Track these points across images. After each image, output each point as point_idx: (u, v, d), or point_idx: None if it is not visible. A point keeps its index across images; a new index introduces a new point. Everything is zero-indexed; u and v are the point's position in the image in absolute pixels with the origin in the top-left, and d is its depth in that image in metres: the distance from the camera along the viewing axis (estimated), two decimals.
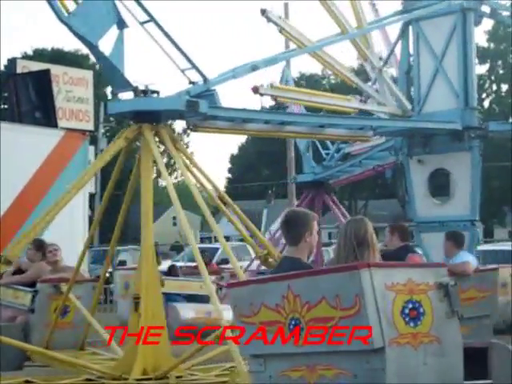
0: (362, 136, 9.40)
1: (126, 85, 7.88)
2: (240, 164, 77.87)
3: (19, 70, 21.32)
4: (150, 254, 7.70)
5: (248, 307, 4.91)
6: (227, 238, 60.91)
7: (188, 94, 8.13)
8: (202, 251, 13.76)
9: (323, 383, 4.49)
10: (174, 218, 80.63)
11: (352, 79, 10.07)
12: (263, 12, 8.81)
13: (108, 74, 8.08)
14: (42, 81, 17.43)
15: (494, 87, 65.70)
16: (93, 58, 66.71)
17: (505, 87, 66.06)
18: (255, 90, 8.68)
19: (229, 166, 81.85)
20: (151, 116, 7.79)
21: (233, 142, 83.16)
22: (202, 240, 57.85)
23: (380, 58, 10.98)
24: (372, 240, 5.30)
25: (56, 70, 20.89)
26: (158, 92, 8.15)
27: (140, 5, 8.08)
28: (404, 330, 4.29)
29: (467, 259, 7.97)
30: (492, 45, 63.45)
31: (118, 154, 8.18)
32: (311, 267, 5.45)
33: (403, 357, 4.28)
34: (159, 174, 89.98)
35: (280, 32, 9.06)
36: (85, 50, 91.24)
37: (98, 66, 64.20)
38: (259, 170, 73.96)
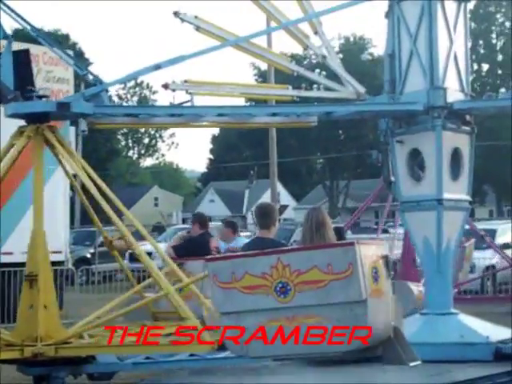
0: (303, 122, 9.42)
1: (10, 92, 8.61)
2: (221, 145, 77.82)
3: None
4: (41, 237, 8.28)
5: (229, 275, 6.26)
6: (209, 219, 60.99)
7: (83, 96, 8.76)
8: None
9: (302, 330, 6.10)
10: (156, 198, 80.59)
11: (290, 67, 10.01)
12: (176, 14, 8.99)
13: None
14: (22, 60, 17.25)
15: (476, 67, 65.90)
16: (73, 38, 66.11)
17: (486, 67, 66.31)
18: (165, 86, 9.07)
19: (210, 146, 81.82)
20: (41, 117, 8.37)
21: None
22: (184, 220, 57.80)
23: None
24: (328, 223, 7.08)
25: (36, 49, 20.47)
26: (46, 96, 8.80)
27: (27, 23, 9.36)
28: (373, 287, 6.15)
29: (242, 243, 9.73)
30: (473, 24, 63.59)
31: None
32: (285, 244, 7.50)
33: (373, 305, 6.09)
34: (140, 155, 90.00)
35: (197, 30, 9.16)
36: (65, 30, 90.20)
37: (78, 46, 64.09)
38: (241, 151, 73.92)
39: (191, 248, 9.46)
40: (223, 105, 9.36)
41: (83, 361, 7.89)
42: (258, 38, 9.92)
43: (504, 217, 50.81)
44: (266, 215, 7.45)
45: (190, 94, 9.18)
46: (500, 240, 21.31)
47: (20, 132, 8.44)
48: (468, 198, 9.54)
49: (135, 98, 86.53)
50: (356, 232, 38.50)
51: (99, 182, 8.37)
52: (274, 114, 9.25)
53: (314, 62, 9.93)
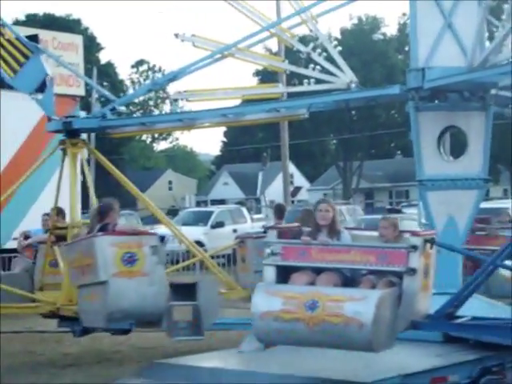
0: (293, 116, 10.64)
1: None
2: (235, 127, 77.60)
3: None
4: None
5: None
6: (223, 201, 60.99)
7: (101, 113, 10.94)
8: None
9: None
10: (170, 182, 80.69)
11: (283, 67, 11.03)
12: (176, 35, 10.37)
13: (41, 107, 11.28)
14: None
15: None
16: (84, 23, 66.19)
17: None
18: (166, 97, 11.95)
19: (224, 129, 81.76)
20: (74, 133, 10.87)
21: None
22: (198, 204, 57.87)
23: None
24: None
25: (45, 34, 20.59)
26: (73, 116, 11.17)
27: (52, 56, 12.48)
28: None
29: None
30: None
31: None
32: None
33: None
34: (154, 139, 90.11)
35: (194, 46, 10.43)
36: (76, 15, 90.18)
37: (90, 31, 64.02)
38: (254, 133, 73.80)
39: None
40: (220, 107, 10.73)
41: None
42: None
43: None
44: (282, 211, 11.40)
45: (190, 101, 10.78)
46: None
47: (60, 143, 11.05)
48: (477, 175, 9.35)
49: (148, 82, 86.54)
50: (370, 212, 38.62)
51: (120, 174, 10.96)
52: (275, 110, 10.30)
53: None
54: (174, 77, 10.59)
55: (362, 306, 6.47)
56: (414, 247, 6.80)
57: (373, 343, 6.52)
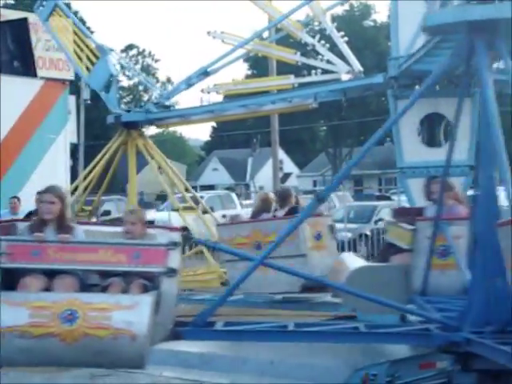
0: (302, 105, 11.33)
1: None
2: None
3: None
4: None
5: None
6: (212, 187, 60.94)
7: (148, 108, 12.32)
8: None
9: None
10: (159, 167, 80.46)
11: (295, 58, 11.58)
12: (209, 33, 11.57)
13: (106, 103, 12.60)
14: (20, 30, 17.22)
15: None
16: (74, 7, 66.09)
17: None
18: (202, 91, 11.95)
19: None
20: (131, 124, 12.34)
21: None
22: (187, 189, 57.75)
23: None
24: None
25: (35, 18, 20.50)
26: (128, 110, 12.56)
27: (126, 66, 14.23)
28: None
29: None
30: None
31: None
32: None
33: None
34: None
35: (223, 42, 11.58)
36: None
37: (79, 15, 63.64)
38: (243, 119, 73.74)
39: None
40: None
41: None
42: None
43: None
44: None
45: (219, 93, 11.90)
46: None
47: (119, 134, 12.48)
48: (462, 162, 9.30)
49: (138, 66, 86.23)
50: (359, 199, 38.63)
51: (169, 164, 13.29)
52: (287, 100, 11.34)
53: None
54: (204, 71, 11.62)
55: (133, 314, 5.52)
56: (176, 244, 5.97)
57: (144, 357, 5.63)
